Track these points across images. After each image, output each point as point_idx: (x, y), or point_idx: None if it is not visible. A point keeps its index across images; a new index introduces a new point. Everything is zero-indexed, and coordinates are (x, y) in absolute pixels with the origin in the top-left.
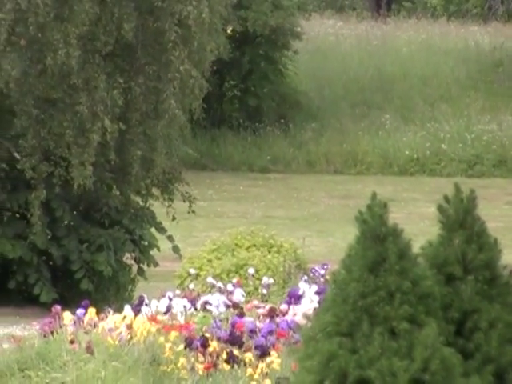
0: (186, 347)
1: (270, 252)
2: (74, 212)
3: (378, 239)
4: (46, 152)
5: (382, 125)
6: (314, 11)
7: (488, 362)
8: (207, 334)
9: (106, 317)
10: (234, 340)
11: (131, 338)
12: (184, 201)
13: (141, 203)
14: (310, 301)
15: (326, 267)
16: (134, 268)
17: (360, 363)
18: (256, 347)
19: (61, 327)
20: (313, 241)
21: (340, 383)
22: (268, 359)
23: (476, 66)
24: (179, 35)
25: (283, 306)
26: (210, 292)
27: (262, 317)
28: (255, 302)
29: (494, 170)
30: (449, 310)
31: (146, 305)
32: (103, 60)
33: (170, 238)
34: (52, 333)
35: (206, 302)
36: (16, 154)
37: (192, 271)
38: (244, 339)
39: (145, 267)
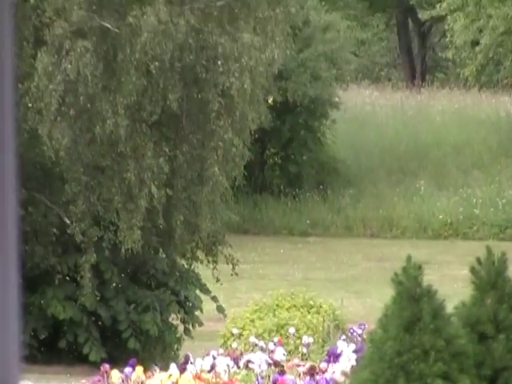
0: None
1: (309, 312)
2: (122, 274)
3: (413, 300)
4: (96, 217)
5: (416, 191)
6: (351, 82)
7: None
8: None
9: (153, 375)
10: None
11: None
12: (227, 263)
13: (186, 266)
14: (348, 359)
15: (363, 327)
16: (180, 328)
17: None
18: None
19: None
20: (351, 302)
21: None
22: None
23: (507, 135)
24: (222, 105)
25: (323, 364)
26: (252, 351)
27: (302, 374)
28: (296, 361)
29: None
30: (481, 367)
31: (191, 363)
32: (150, 129)
33: (214, 298)
34: None
35: (249, 361)
36: (66, 219)
37: (235, 331)
38: None
39: (190, 327)
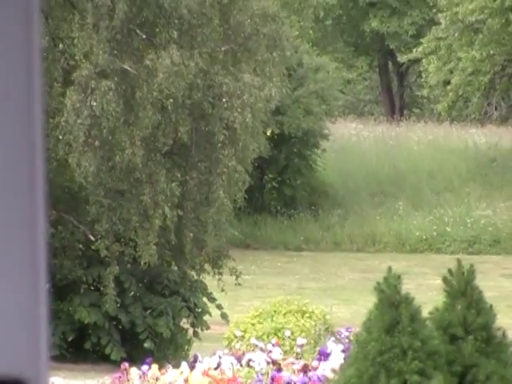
0: None
1: (303, 317)
2: (140, 284)
3: (393, 306)
4: (117, 234)
5: (395, 211)
6: (339, 116)
7: None
8: None
9: (166, 372)
10: None
11: None
12: (231, 275)
13: (195, 276)
14: (336, 358)
15: (349, 330)
16: (190, 331)
17: None
18: None
19: (128, 381)
20: (339, 308)
21: None
22: None
23: (474, 162)
24: (227, 137)
25: (314, 363)
26: (253, 351)
27: (296, 371)
28: (291, 359)
29: (490, 249)
30: (452, 364)
31: (200, 362)
32: (163, 157)
33: (218, 306)
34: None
35: (250, 360)
36: (91, 237)
37: (238, 333)
38: None
39: (198, 330)
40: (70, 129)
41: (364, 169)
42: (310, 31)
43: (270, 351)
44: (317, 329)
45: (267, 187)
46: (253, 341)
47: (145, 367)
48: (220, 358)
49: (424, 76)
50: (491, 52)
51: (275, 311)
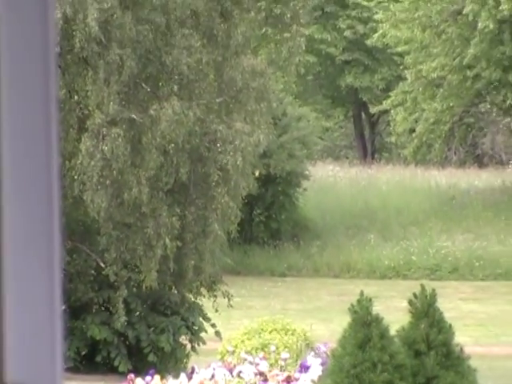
0: None
1: (286, 334)
2: (144, 305)
3: (365, 325)
4: (124, 262)
5: (367, 242)
6: (318, 159)
7: None
8: None
9: (167, 382)
10: None
11: None
12: (224, 297)
13: (192, 299)
14: (315, 370)
15: (327, 345)
16: (188, 346)
17: None
18: None
19: None
20: (318, 326)
21: None
22: None
23: (436, 200)
24: (220, 177)
25: (296, 374)
26: (242, 364)
27: (280, 382)
28: (276, 371)
29: (449, 275)
30: (416, 376)
31: (197, 373)
32: (165, 195)
33: (213, 325)
34: None
35: (240, 371)
36: (101, 264)
37: (230, 348)
38: None
39: (195, 345)
40: (84, 170)
41: (340, 205)
42: (293, 85)
43: (258, 364)
44: (298, 345)
45: (255, 221)
46: (243, 355)
47: (148, 378)
48: (214, 369)
49: (392, 125)
50: (451, 104)
51: (262, 329)
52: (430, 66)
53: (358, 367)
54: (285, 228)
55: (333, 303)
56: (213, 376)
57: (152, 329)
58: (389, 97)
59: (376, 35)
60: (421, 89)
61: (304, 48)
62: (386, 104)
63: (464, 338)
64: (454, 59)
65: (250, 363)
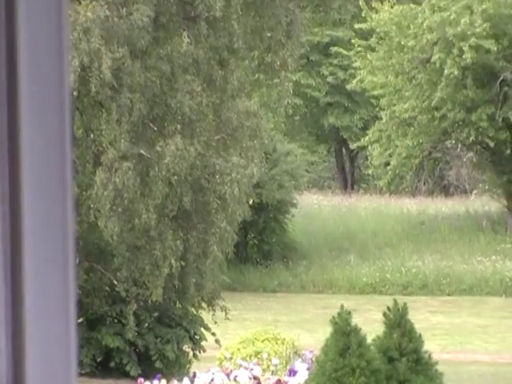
0: None
1: (277, 343)
2: (152, 318)
3: (345, 334)
4: (134, 280)
5: (348, 262)
6: (305, 189)
7: None
8: None
9: None
10: None
11: None
12: (222, 311)
13: (194, 312)
14: (302, 374)
15: (312, 353)
16: (190, 353)
17: None
18: None
19: None
20: (304, 336)
21: None
22: None
23: (408, 225)
24: (219, 205)
25: (285, 378)
26: (238, 369)
27: None
28: (268, 375)
29: (420, 291)
30: (390, 380)
31: (198, 377)
32: (170, 221)
33: (213, 334)
34: None
35: (236, 376)
36: (114, 281)
37: (227, 355)
38: None
39: (197, 353)
40: (98, 199)
41: (323, 230)
42: (282, 124)
43: (252, 369)
44: (287, 352)
45: (250, 243)
46: (238, 361)
47: (156, 382)
48: (213, 374)
49: (369, 159)
50: (420, 141)
51: (255, 338)
52: (403, 108)
53: (338, 372)
54: (275, 250)
55: (317, 316)
56: (212, 380)
57: (159, 339)
58: (366, 134)
59: (355, 80)
60: (394, 127)
61: (292, 92)
62: (363, 141)
63: (432, 346)
64: (424, 101)
65: (245, 368)
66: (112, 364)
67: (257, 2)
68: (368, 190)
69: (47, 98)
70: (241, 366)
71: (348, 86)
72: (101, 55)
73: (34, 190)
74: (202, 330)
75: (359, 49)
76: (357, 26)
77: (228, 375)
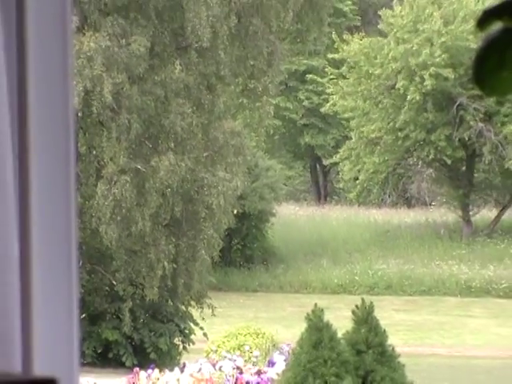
0: None
1: (257, 337)
2: (147, 314)
3: (318, 329)
4: (131, 280)
5: (321, 265)
6: (283, 201)
7: None
8: None
9: (164, 374)
10: None
11: None
12: (208, 308)
13: (184, 309)
14: (280, 365)
15: (289, 346)
16: (181, 346)
17: None
18: None
19: (139, 380)
20: (282, 331)
21: None
22: None
23: (374, 233)
24: (207, 214)
25: (265, 369)
26: (223, 360)
27: (253, 374)
28: (249, 366)
29: (385, 292)
30: (358, 370)
31: (187, 367)
32: (163, 228)
33: (201, 329)
34: (134, 382)
35: (221, 366)
36: (113, 282)
37: (213, 348)
38: None
39: (187, 345)
40: (99, 208)
41: (299, 237)
42: (263, 143)
43: (235, 360)
44: (267, 345)
45: (234, 249)
46: (223, 353)
47: (150, 371)
48: (201, 364)
49: (340, 174)
50: (386, 158)
51: (239, 333)
52: (370, 129)
53: (312, 363)
54: (256, 254)
55: (294, 313)
56: (200, 369)
57: (153, 333)
58: (338, 152)
59: (328, 104)
60: (363, 146)
61: (272, 114)
62: (335, 158)
63: (395, 340)
64: (389, 123)
65: (229, 360)
66: (111, 355)
67: (241, 34)
68: (339, 202)
69: (54, 119)
70: (225, 357)
71: (322, 109)
72: (102, 80)
73: (41, 200)
74: (191, 325)
75: (332, 76)
76: (330, 55)
77: (214, 365)
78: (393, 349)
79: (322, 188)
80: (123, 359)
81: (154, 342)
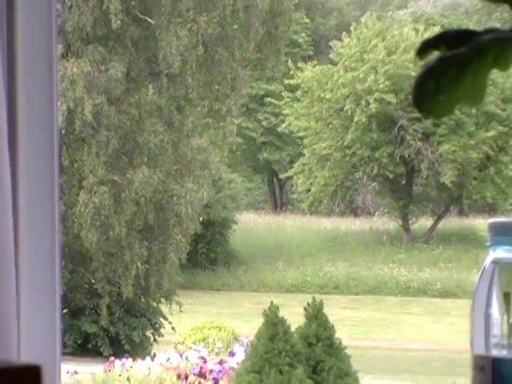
0: (178, 378)
1: (220, 331)
2: (122, 309)
3: (273, 324)
4: (109, 279)
5: (277, 267)
6: (244, 210)
7: None
8: (188, 372)
9: (137, 362)
10: (202, 375)
11: (149, 374)
12: (177, 305)
13: (155, 305)
14: (240, 356)
15: (248, 338)
16: (152, 338)
17: None
18: (213, 379)
19: (114, 367)
20: (242, 325)
21: None
22: None
23: (324, 239)
24: (176, 221)
25: (227, 358)
26: (189, 351)
27: (216, 363)
28: (212, 356)
29: (333, 291)
30: (309, 360)
31: (157, 357)
32: (137, 233)
33: (170, 323)
34: (110, 370)
35: (188, 356)
36: (93, 280)
37: (181, 340)
38: (207, 374)
39: (157, 338)
40: (81, 215)
41: (258, 242)
42: (226, 158)
43: (200, 351)
44: (228, 338)
45: (199, 252)
46: (190, 345)
47: (124, 360)
48: (169, 354)
49: (295, 186)
50: (335, 173)
51: (203, 327)
52: (321, 146)
53: (268, 353)
54: (220, 257)
55: (252, 309)
56: (168, 359)
57: (127, 326)
58: (292, 167)
59: (284, 124)
60: (314, 162)
61: (234, 133)
62: (290, 172)
63: (342, 335)
64: (338, 142)
65: (195, 350)
66: (89, 346)
67: (207, 62)
68: (293, 211)
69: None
70: (191, 348)
71: (278, 129)
72: (84, 101)
73: (29, 208)
74: (161, 319)
75: (288, 99)
76: (286, 81)
77: (181, 355)
78: (340, 342)
79: (279, 199)
80: (101, 350)
81: (128, 334)
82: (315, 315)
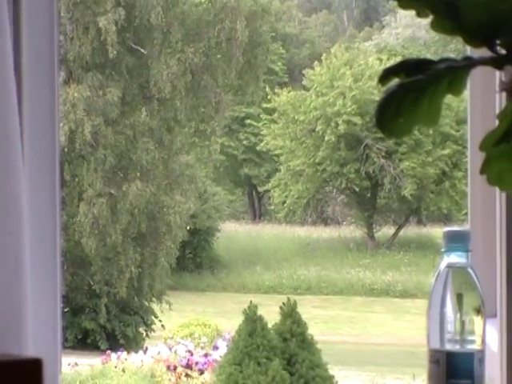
0: (167, 369)
1: (205, 327)
2: (117, 308)
3: (252, 321)
4: (106, 281)
5: (255, 271)
6: (226, 220)
7: (301, 378)
8: (177, 364)
9: (131, 355)
10: (189, 366)
11: (142, 365)
12: (166, 304)
13: (147, 304)
14: (223, 349)
15: (230, 334)
16: (144, 334)
17: (244, 378)
18: (199, 370)
19: (110, 360)
20: (225, 323)
21: None
22: (204, 376)
23: (298, 245)
24: (166, 230)
25: (211, 352)
26: (177, 345)
27: (201, 356)
28: (198, 350)
29: (306, 292)
30: (284, 354)
31: (149, 350)
32: (132, 240)
33: (160, 320)
34: (106, 362)
35: (176, 349)
36: (91, 282)
37: (170, 335)
38: (193, 366)
39: (149, 333)
40: (81, 224)
41: (239, 248)
42: (211, 174)
43: (187, 345)
44: (212, 334)
45: (187, 257)
46: (178, 340)
47: (119, 353)
48: (160, 348)
49: (272, 199)
50: (308, 187)
51: (190, 324)
52: (295, 163)
53: (248, 348)
54: (205, 262)
55: (234, 308)
56: (159, 352)
57: (122, 323)
58: (270, 182)
59: (262, 143)
60: (289, 177)
61: (218, 151)
62: (268, 186)
63: (314, 331)
64: (310, 159)
65: (182, 345)
66: (88, 341)
67: (194, 87)
68: (270, 221)
69: (44, 153)
70: (179, 343)
71: (257, 147)
72: (83, 123)
73: (33, 218)
74: (153, 317)
75: (265, 121)
76: (264, 105)
77: (170, 349)
78: (312, 337)
79: (257, 210)
80: (99, 344)
81: (123, 330)
82: (290, 313)
